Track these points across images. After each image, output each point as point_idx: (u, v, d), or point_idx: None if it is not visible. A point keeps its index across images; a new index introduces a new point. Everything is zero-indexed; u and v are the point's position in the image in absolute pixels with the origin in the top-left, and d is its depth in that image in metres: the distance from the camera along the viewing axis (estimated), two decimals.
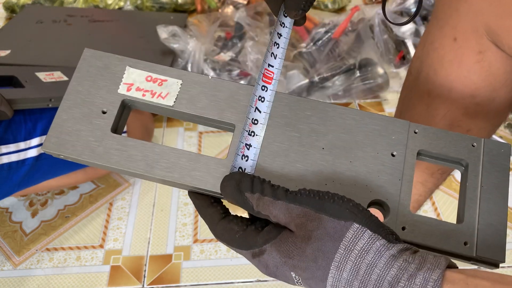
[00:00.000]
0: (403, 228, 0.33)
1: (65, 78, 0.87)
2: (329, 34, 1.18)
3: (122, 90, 0.36)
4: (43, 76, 0.85)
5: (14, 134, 0.74)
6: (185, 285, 0.82)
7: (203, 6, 1.45)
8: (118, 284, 0.82)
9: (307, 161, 0.34)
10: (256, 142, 0.34)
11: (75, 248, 0.88)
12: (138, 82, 0.36)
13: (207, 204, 0.34)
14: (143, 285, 0.82)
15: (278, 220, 0.31)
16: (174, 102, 0.36)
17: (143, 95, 0.36)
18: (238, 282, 0.82)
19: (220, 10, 1.39)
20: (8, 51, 1.19)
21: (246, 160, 0.34)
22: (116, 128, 0.36)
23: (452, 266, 0.29)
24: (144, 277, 0.83)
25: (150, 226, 0.92)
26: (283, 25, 0.35)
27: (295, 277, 0.31)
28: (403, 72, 1.19)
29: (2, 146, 0.72)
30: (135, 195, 0.98)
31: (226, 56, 1.14)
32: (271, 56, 0.34)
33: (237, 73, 1.11)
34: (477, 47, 0.47)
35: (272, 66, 0.35)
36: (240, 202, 0.31)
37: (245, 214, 0.34)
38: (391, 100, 1.19)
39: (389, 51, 1.20)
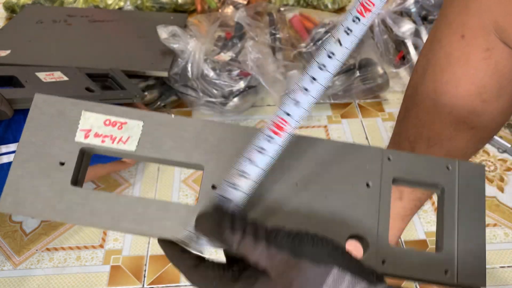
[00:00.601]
0: (383, 262, 0.32)
1: (65, 78, 0.87)
2: (329, 34, 1.18)
3: (79, 137, 0.33)
4: (43, 76, 0.85)
5: (14, 134, 0.74)
6: (185, 285, 0.82)
7: (203, 6, 1.45)
8: (118, 284, 0.82)
9: (281, 199, 0.33)
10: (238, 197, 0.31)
11: (75, 248, 0.88)
12: (96, 127, 0.33)
13: (179, 252, 0.32)
14: (143, 285, 0.82)
15: (257, 265, 0.29)
16: (137, 146, 0.33)
17: (102, 141, 0.33)
18: None
19: (220, 10, 1.39)
20: (8, 51, 1.19)
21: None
22: (77, 180, 0.34)
23: None
24: (144, 277, 0.83)
25: None
26: (322, 68, 0.30)
27: None
28: (403, 72, 1.19)
29: (2, 146, 0.72)
30: (135, 195, 0.98)
31: (226, 56, 1.14)
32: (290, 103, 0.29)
33: (237, 73, 1.11)
34: (484, 44, 0.47)
35: (289, 115, 0.29)
36: (219, 240, 0.30)
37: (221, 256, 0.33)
38: (391, 100, 1.19)
39: (389, 51, 1.20)
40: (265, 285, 0.29)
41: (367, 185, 0.34)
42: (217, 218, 0.30)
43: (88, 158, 0.35)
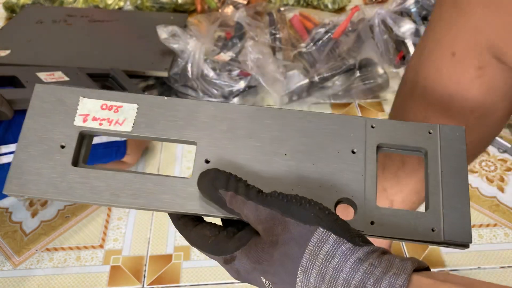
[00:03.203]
0: (372, 223, 0.33)
1: (66, 78, 0.87)
2: (329, 34, 1.18)
3: (78, 122, 0.35)
4: (44, 76, 0.85)
5: (15, 134, 0.74)
6: (185, 285, 0.82)
7: (203, 6, 1.45)
8: (118, 284, 0.82)
9: (272, 169, 0.35)
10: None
11: (75, 248, 0.88)
12: (93, 111, 0.35)
13: (180, 215, 0.35)
14: (143, 285, 0.82)
15: (248, 220, 0.31)
16: (132, 127, 0.35)
17: (100, 124, 0.35)
18: (238, 283, 0.82)
19: (220, 10, 1.39)
20: (8, 51, 1.19)
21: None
22: (77, 161, 0.35)
23: (422, 268, 0.29)
24: (144, 277, 0.83)
25: (150, 226, 0.92)
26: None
27: (265, 282, 0.31)
28: (403, 72, 1.19)
29: (3, 146, 0.72)
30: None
31: (226, 56, 1.14)
32: None
33: (237, 73, 1.11)
34: (477, 63, 0.46)
35: None
36: (214, 197, 0.32)
37: (219, 222, 0.35)
38: (391, 100, 1.19)
39: (389, 51, 1.20)
40: (255, 243, 0.31)
41: (353, 151, 0.35)
42: (213, 177, 0.32)
43: (88, 140, 0.36)
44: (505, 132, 1.09)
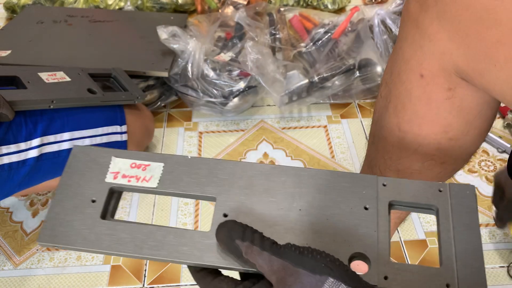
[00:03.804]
0: (386, 278, 0.34)
1: (68, 79, 0.87)
2: (329, 34, 1.18)
3: (109, 179, 0.38)
4: (46, 76, 0.85)
5: (15, 135, 0.74)
6: (185, 285, 0.82)
7: (203, 6, 1.45)
8: (119, 284, 0.83)
9: (287, 223, 0.36)
10: None
11: None
12: (123, 170, 0.39)
13: (198, 268, 0.36)
14: (143, 285, 0.82)
15: (262, 270, 0.32)
16: (158, 183, 0.38)
17: (129, 181, 0.38)
18: None
19: (220, 11, 1.39)
20: (8, 51, 1.19)
21: None
22: (105, 214, 0.38)
23: None
24: (145, 276, 0.84)
25: None
26: None
27: None
28: None
29: (3, 147, 0.72)
30: (136, 195, 0.98)
31: (226, 56, 1.14)
32: None
33: (237, 73, 1.11)
34: (446, 84, 0.45)
35: None
36: (231, 248, 0.33)
37: (236, 276, 0.36)
38: None
39: (389, 51, 1.20)
40: None
41: (365, 208, 0.37)
42: (230, 228, 0.33)
43: (117, 196, 0.40)
44: (504, 132, 1.09)
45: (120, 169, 0.39)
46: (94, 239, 0.36)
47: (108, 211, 0.38)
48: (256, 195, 0.38)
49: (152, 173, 0.38)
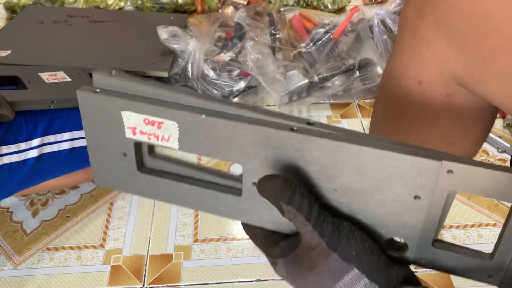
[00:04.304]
0: (422, 259, 0.33)
1: (68, 79, 0.87)
2: (329, 34, 1.18)
3: (128, 134, 0.36)
4: (46, 76, 0.85)
5: (15, 135, 0.74)
6: (185, 285, 0.83)
7: (203, 6, 1.45)
8: (119, 284, 0.83)
9: (321, 201, 0.33)
10: None
11: (75, 247, 0.88)
12: (139, 125, 0.35)
13: None
14: (143, 285, 0.82)
15: (301, 232, 0.32)
16: (178, 144, 0.35)
17: (149, 138, 0.35)
18: (238, 282, 0.82)
19: (220, 11, 1.39)
20: (8, 51, 1.19)
21: None
22: (141, 166, 0.37)
23: None
24: (145, 276, 0.84)
25: (150, 225, 0.92)
26: None
27: None
28: None
29: (3, 147, 0.72)
30: (136, 195, 0.98)
31: (226, 56, 1.14)
32: None
33: (237, 73, 1.11)
34: (444, 91, 0.44)
35: None
36: (274, 204, 0.32)
37: None
38: None
39: (389, 51, 1.20)
40: (296, 257, 0.32)
41: (415, 197, 0.30)
42: (278, 190, 0.31)
43: (146, 147, 0.37)
44: (504, 132, 1.10)
45: (136, 124, 0.35)
46: (138, 188, 0.37)
47: (142, 163, 0.37)
48: (284, 170, 0.32)
49: (169, 132, 0.35)
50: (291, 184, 0.31)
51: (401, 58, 0.47)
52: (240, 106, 0.33)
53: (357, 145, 0.30)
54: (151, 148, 0.37)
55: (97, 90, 0.36)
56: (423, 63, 0.44)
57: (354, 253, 0.30)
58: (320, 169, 0.32)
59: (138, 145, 0.36)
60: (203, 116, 0.33)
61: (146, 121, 0.34)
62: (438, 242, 0.32)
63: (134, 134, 0.35)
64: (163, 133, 0.34)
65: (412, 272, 0.32)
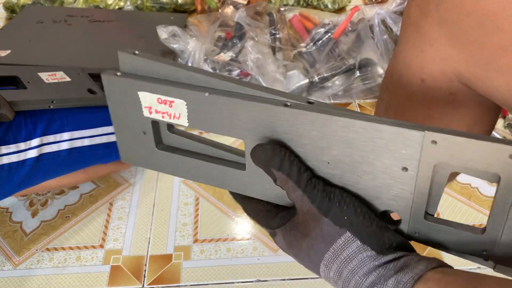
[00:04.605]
0: (416, 233, 0.33)
1: (68, 79, 0.87)
2: (329, 34, 1.18)
3: (146, 113, 0.39)
4: (46, 76, 0.85)
5: (15, 135, 0.74)
6: (185, 285, 0.82)
7: (203, 6, 1.45)
8: (118, 284, 0.83)
9: (316, 174, 0.34)
10: None
11: (75, 248, 0.88)
12: (154, 105, 0.38)
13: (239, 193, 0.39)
14: (143, 285, 0.82)
15: (292, 201, 0.34)
16: (187, 122, 0.37)
17: (163, 116, 0.38)
18: (238, 282, 0.82)
19: (220, 10, 1.39)
20: (8, 51, 1.19)
21: None
22: (159, 144, 0.40)
23: (443, 266, 0.30)
24: (144, 277, 0.84)
25: (150, 226, 0.92)
26: None
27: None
28: None
29: (3, 147, 0.72)
30: (136, 195, 0.98)
31: (226, 56, 1.14)
32: None
33: (237, 73, 1.11)
34: (447, 89, 0.44)
35: None
36: (266, 171, 0.34)
37: None
38: None
39: (389, 51, 1.20)
40: (292, 225, 0.34)
41: (404, 168, 0.31)
42: (268, 156, 0.33)
43: (165, 125, 0.40)
44: (505, 132, 1.09)
45: (151, 104, 0.38)
46: (157, 163, 0.41)
47: (160, 141, 0.40)
48: (280, 145, 0.34)
49: (179, 110, 0.37)
50: (280, 151, 0.33)
51: (404, 56, 0.47)
52: (249, 85, 0.35)
53: (345, 117, 0.31)
54: (170, 125, 0.40)
55: (118, 74, 0.39)
56: (426, 61, 0.44)
57: (346, 217, 0.31)
58: (312, 142, 0.33)
59: (155, 123, 0.39)
60: (207, 94, 0.35)
61: (159, 100, 0.37)
62: (430, 216, 0.33)
63: (151, 113, 0.38)
64: (174, 111, 0.37)
65: (407, 241, 0.33)
